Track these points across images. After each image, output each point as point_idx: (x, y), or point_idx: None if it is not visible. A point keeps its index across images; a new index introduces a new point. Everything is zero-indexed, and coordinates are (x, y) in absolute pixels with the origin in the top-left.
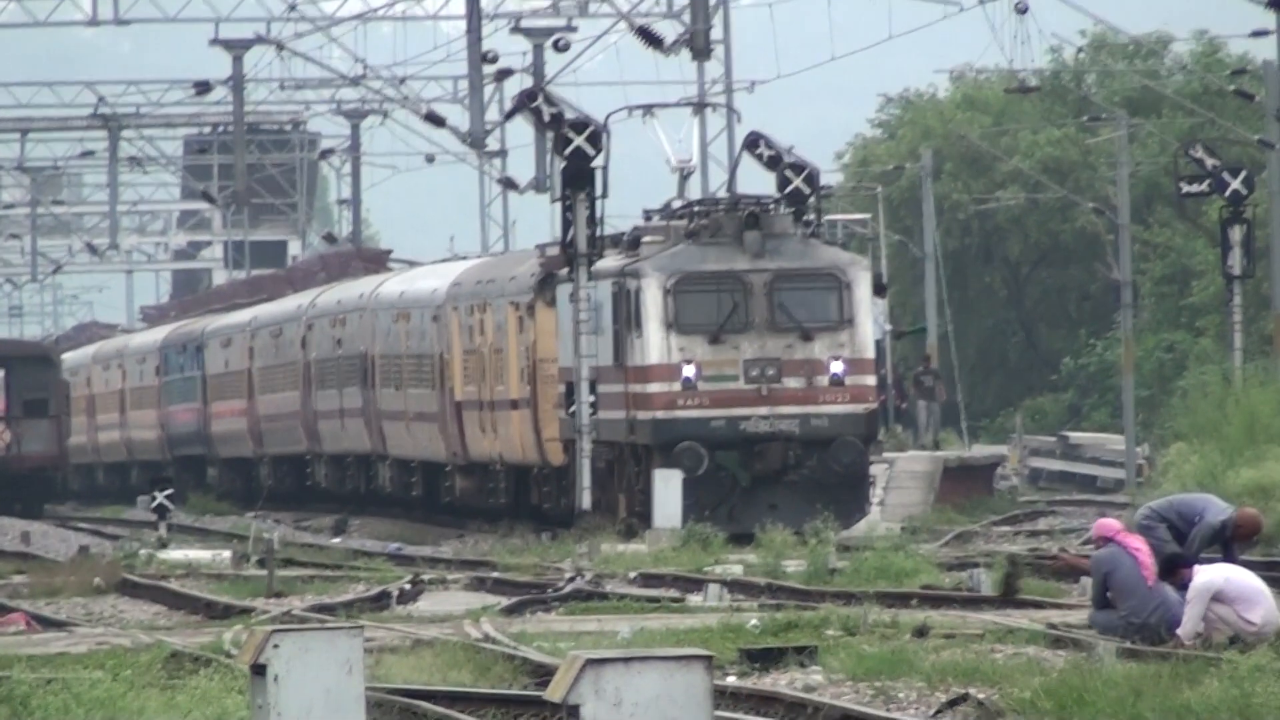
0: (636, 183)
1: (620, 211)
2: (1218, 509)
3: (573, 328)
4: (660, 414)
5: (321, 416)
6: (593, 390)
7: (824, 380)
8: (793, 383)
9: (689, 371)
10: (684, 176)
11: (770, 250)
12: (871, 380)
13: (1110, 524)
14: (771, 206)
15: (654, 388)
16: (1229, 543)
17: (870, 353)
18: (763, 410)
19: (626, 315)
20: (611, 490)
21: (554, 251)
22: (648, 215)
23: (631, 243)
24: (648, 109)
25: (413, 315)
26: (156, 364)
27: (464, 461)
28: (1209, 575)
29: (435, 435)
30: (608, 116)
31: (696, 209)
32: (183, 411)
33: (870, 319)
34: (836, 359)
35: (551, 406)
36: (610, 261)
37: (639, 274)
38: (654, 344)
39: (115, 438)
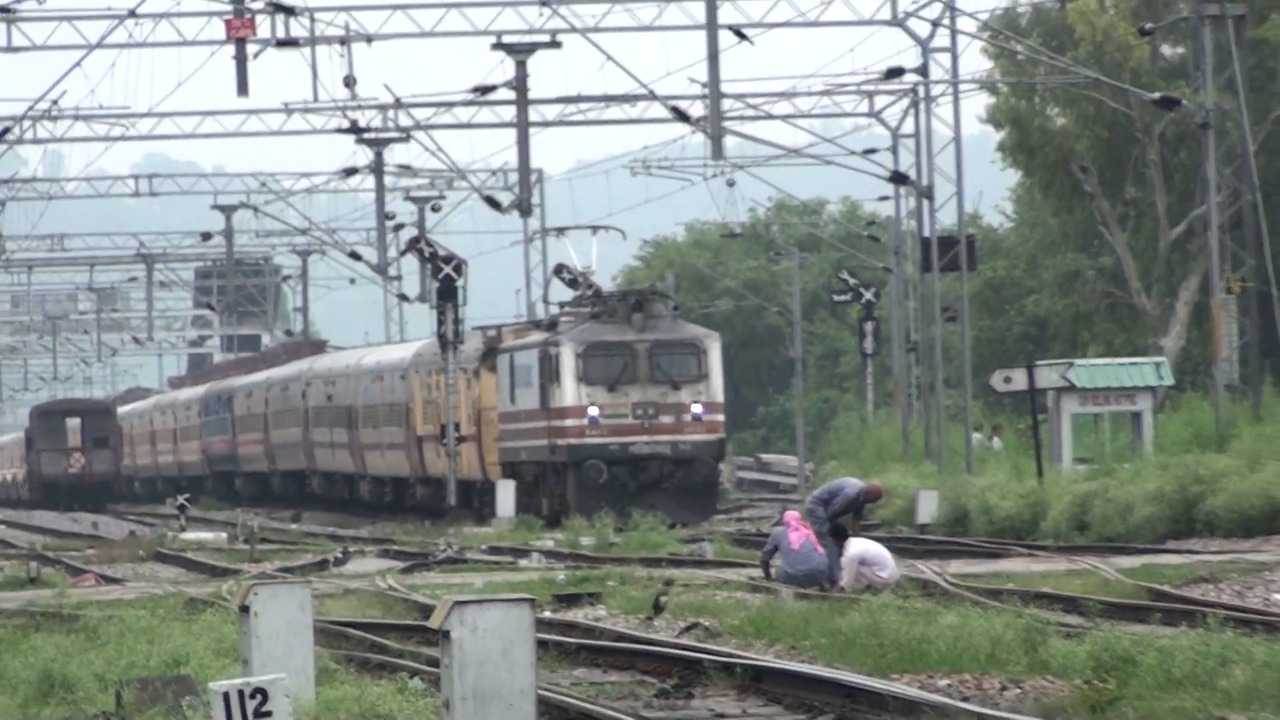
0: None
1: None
2: (853, 484)
3: (449, 383)
4: (573, 441)
5: (317, 446)
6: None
7: (688, 418)
8: (666, 419)
9: (594, 411)
10: (585, 281)
11: (650, 326)
12: (721, 417)
13: (790, 515)
14: (651, 296)
15: (569, 423)
16: (861, 506)
17: (720, 398)
18: (645, 438)
19: (549, 372)
20: (536, 496)
21: (492, 333)
22: (561, 305)
23: (551, 323)
24: (561, 230)
25: (385, 377)
26: (199, 410)
27: (422, 476)
28: (858, 547)
29: (401, 459)
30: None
31: (598, 298)
32: (218, 441)
33: (720, 375)
34: (696, 403)
35: (492, 440)
36: (535, 336)
37: (558, 343)
38: (569, 392)
39: (170, 459)
